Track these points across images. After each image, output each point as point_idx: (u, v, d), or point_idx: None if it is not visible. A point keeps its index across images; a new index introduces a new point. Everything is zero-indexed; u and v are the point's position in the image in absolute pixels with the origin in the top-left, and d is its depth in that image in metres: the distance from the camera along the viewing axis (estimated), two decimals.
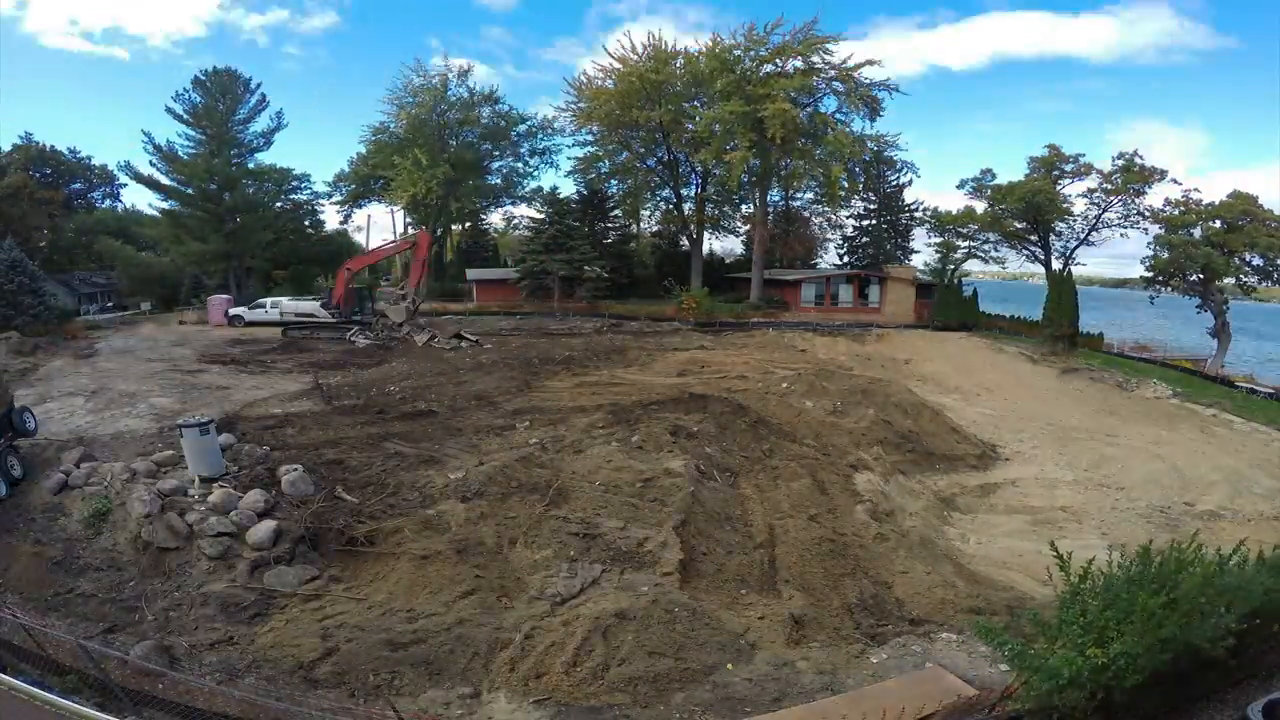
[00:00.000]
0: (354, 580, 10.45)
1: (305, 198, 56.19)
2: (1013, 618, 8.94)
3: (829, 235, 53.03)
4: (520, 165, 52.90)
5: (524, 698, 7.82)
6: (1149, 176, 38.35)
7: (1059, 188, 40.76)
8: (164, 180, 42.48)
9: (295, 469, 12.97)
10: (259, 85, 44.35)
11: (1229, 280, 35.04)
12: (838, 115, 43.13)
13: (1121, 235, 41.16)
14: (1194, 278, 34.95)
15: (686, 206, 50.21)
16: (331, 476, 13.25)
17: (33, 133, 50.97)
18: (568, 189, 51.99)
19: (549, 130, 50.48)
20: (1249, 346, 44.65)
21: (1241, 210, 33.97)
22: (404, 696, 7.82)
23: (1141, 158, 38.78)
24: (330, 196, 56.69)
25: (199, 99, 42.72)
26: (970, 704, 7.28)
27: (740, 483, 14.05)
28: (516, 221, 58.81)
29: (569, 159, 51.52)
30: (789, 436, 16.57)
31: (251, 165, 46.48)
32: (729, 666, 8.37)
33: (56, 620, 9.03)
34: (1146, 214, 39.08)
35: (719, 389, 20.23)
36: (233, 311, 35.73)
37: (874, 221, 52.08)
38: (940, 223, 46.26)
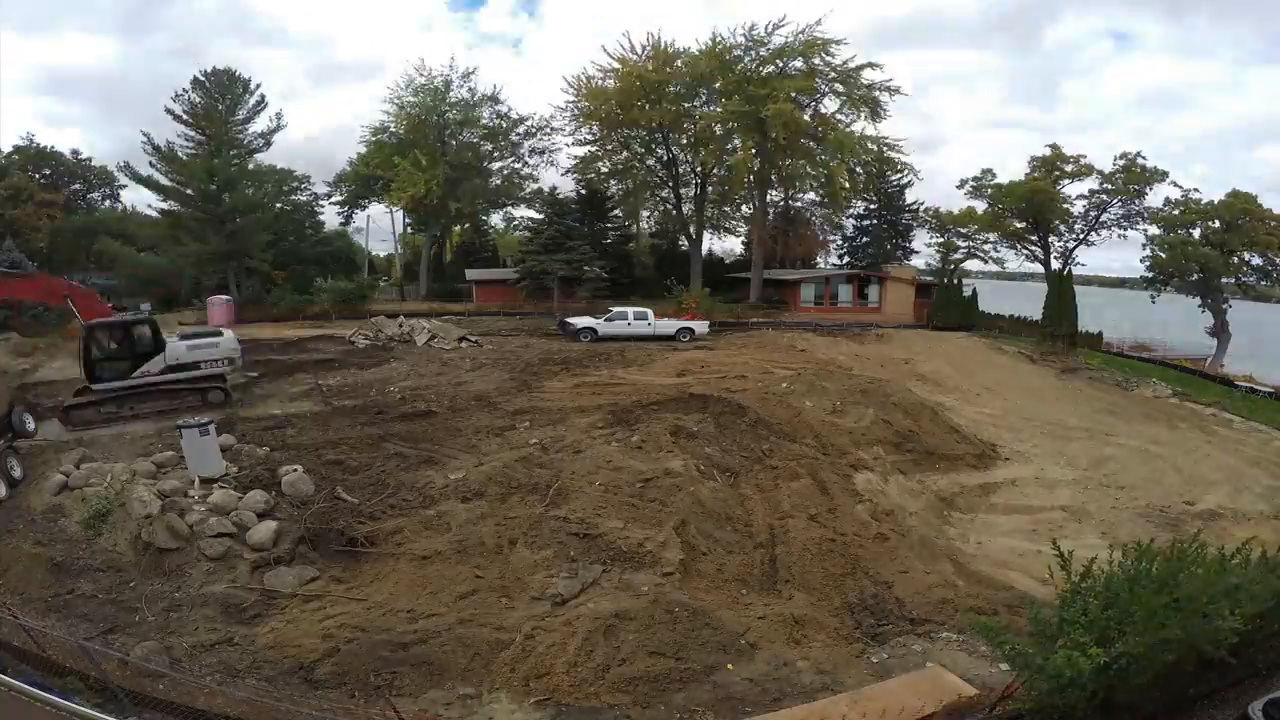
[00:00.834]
0: (354, 581, 10.45)
1: (305, 199, 56.22)
2: (1013, 617, 8.95)
3: (830, 236, 53.05)
4: (520, 166, 52.91)
5: (525, 698, 7.82)
6: (1149, 177, 38.42)
7: (1059, 188, 40.84)
8: (163, 181, 42.52)
9: (295, 469, 12.98)
10: (259, 85, 44.44)
11: (1228, 280, 35.10)
12: (839, 116, 43.19)
13: (1121, 235, 41.28)
14: (1194, 277, 35.00)
15: (686, 206, 50.20)
16: (331, 477, 13.26)
17: (34, 133, 51.00)
18: (567, 189, 51.95)
19: (548, 130, 50.46)
20: None
21: (1240, 209, 34.02)
22: (405, 697, 7.81)
23: (1143, 158, 38.89)
24: (330, 197, 56.73)
25: (198, 99, 42.77)
26: (970, 704, 7.29)
27: (740, 483, 14.05)
28: (516, 222, 58.81)
29: (569, 159, 51.32)
30: (789, 436, 16.56)
31: (251, 166, 46.55)
32: (729, 666, 8.37)
33: (56, 621, 9.02)
34: (1146, 214, 39.18)
35: (719, 389, 20.20)
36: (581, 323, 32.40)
37: (874, 221, 52.10)
38: (940, 223, 46.32)
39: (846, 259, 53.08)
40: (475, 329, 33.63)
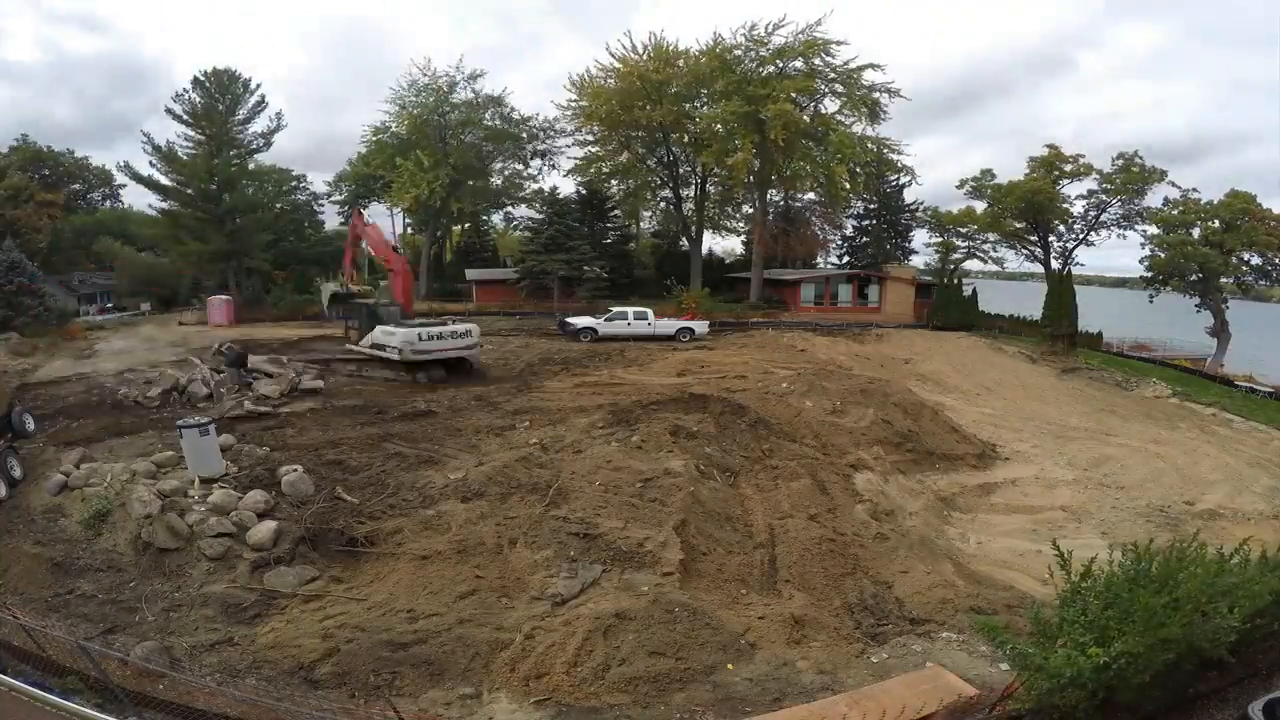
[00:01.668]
0: (354, 580, 10.44)
1: (305, 199, 56.28)
2: (1013, 617, 8.95)
3: (830, 236, 53.07)
4: (522, 167, 52.91)
5: (525, 698, 7.82)
6: (1148, 177, 38.42)
7: (1058, 188, 40.84)
8: (163, 180, 42.51)
9: (295, 469, 12.97)
10: (258, 85, 44.41)
11: (1228, 280, 35.10)
12: (839, 117, 43.18)
13: (1120, 235, 41.29)
14: (1193, 277, 35.01)
15: (686, 206, 50.20)
16: (331, 477, 13.25)
17: (28, 134, 51.04)
18: (567, 189, 51.98)
19: (551, 131, 50.45)
20: None
21: (1240, 209, 34.02)
22: (404, 697, 7.81)
23: (1141, 158, 38.89)
24: (330, 197, 56.78)
25: (198, 99, 42.74)
26: (970, 704, 7.29)
27: (740, 482, 14.05)
28: (516, 222, 58.82)
29: (569, 159, 51.31)
30: (789, 436, 16.56)
31: (251, 166, 46.51)
32: (729, 666, 8.37)
33: (56, 621, 9.01)
34: (1145, 214, 39.18)
35: (719, 389, 20.22)
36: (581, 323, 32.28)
37: (874, 221, 52.11)
38: (940, 222, 46.32)
39: (846, 259, 53.11)
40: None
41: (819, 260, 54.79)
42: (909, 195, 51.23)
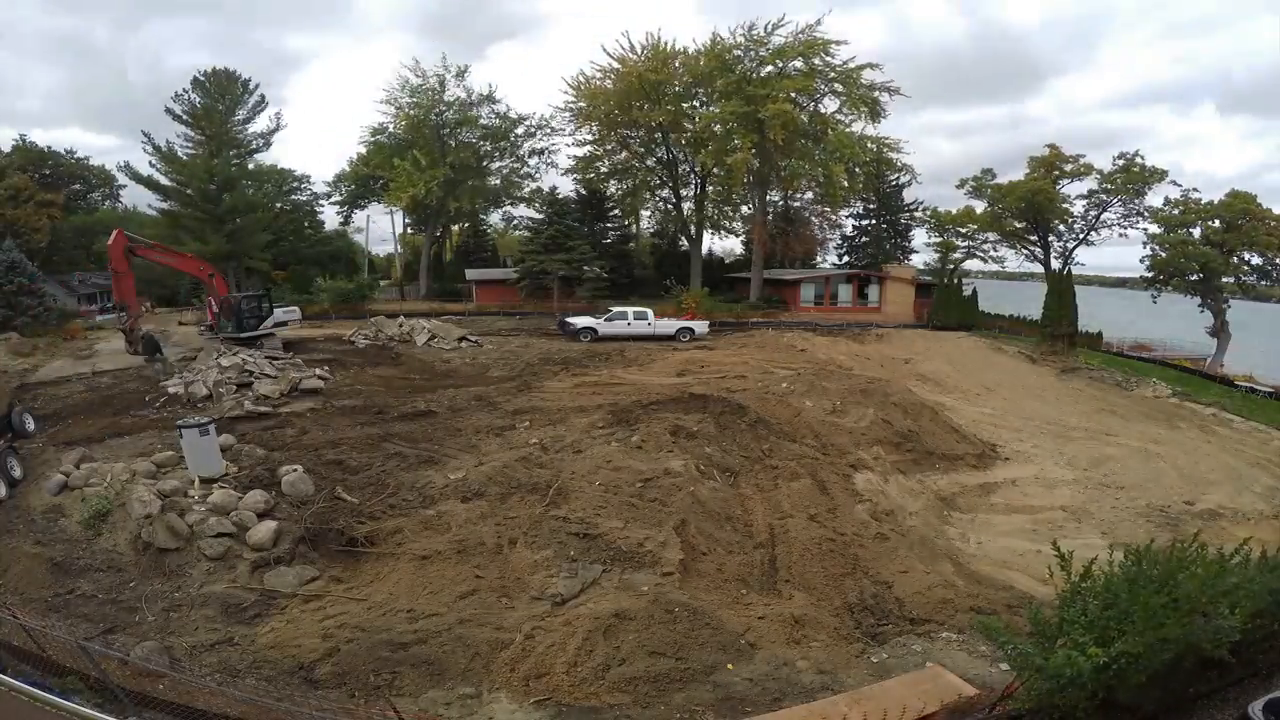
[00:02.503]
0: (354, 580, 10.44)
1: (305, 199, 56.28)
2: (1013, 617, 8.95)
3: (829, 235, 53.09)
4: (519, 166, 52.90)
5: (525, 698, 7.82)
6: (1149, 177, 38.42)
7: (1059, 188, 40.84)
8: (163, 181, 42.53)
9: (295, 469, 12.98)
10: (258, 86, 44.46)
11: (1228, 279, 35.09)
12: (838, 116, 43.18)
13: (1121, 235, 41.29)
14: (1194, 277, 35.00)
15: (686, 206, 50.20)
16: (331, 477, 13.26)
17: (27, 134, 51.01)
18: (567, 189, 51.97)
19: (547, 130, 50.46)
20: None
21: (1241, 209, 34.02)
22: (405, 697, 7.81)
23: (1142, 158, 38.90)
24: (329, 197, 56.77)
25: (198, 100, 42.77)
26: (970, 703, 7.29)
27: (740, 482, 14.05)
28: (516, 222, 58.83)
29: (569, 158, 51.31)
30: (789, 436, 16.56)
31: (251, 166, 46.53)
32: (729, 666, 8.37)
33: (56, 621, 9.01)
34: (1146, 214, 39.20)
35: (719, 389, 20.21)
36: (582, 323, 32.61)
37: (874, 221, 52.11)
38: (940, 222, 46.31)
39: (846, 259, 53.10)
40: (475, 329, 33.64)
41: (819, 260, 54.80)
42: (909, 195, 51.32)
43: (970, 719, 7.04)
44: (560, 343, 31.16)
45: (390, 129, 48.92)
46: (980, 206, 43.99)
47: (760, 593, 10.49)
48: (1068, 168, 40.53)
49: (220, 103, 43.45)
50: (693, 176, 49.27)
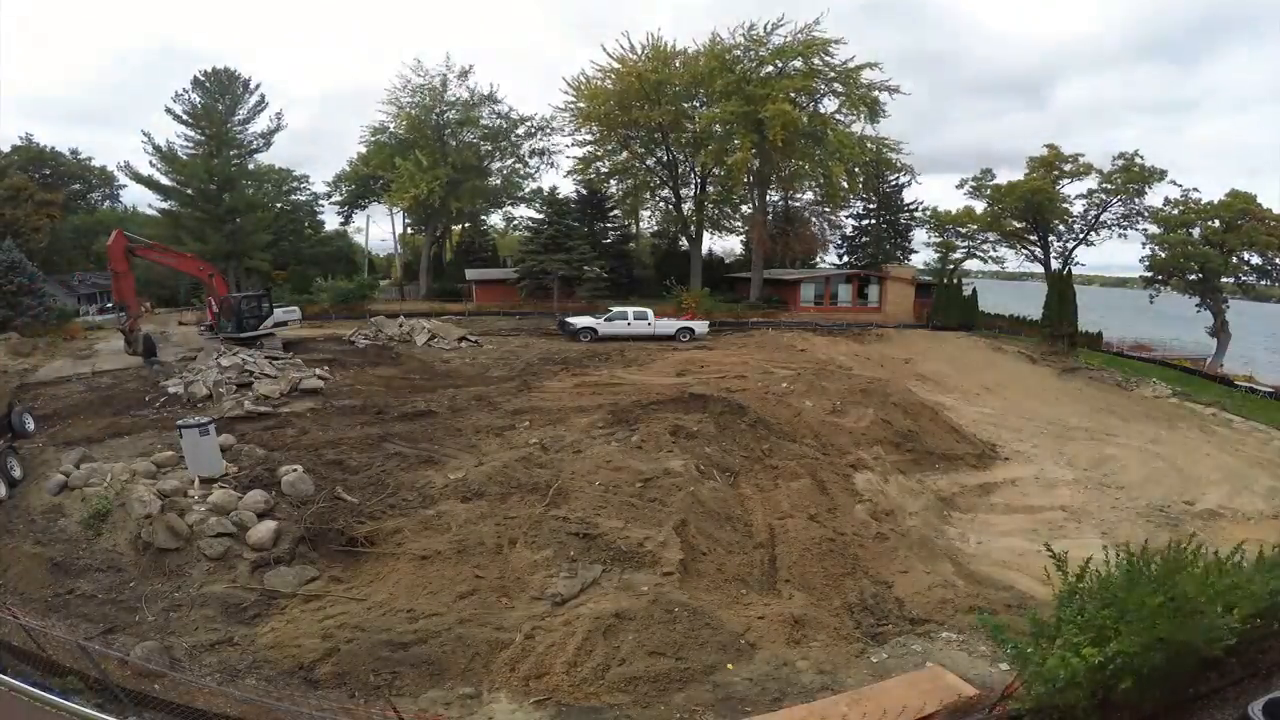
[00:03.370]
0: (354, 580, 10.45)
1: (305, 199, 56.28)
2: (1013, 617, 8.95)
3: (829, 235, 53.04)
4: (520, 166, 52.90)
5: (525, 698, 7.82)
6: (1148, 177, 38.40)
7: (1058, 187, 40.82)
8: (164, 180, 42.52)
9: (295, 469, 12.98)
10: (258, 85, 44.44)
11: (1228, 279, 35.10)
12: (838, 116, 43.16)
13: (1121, 235, 41.27)
14: (1193, 277, 35.00)
15: (686, 206, 50.18)
16: (331, 477, 13.26)
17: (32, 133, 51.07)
18: (567, 189, 51.93)
19: (548, 130, 50.44)
20: None
21: (1240, 209, 34.01)
22: (404, 697, 7.82)
23: (1141, 158, 38.88)
24: (330, 197, 56.78)
25: (198, 99, 42.75)
26: (970, 703, 7.29)
27: (740, 482, 14.05)
28: (516, 222, 58.82)
29: (568, 159, 51.34)
30: (789, 436, 16.56)
31: (251, 166, 46.52)
32: (729, 666, 8.37)
33: (56, 621, 9.02)
34: (1146, 214, 39.17)
35: (718, 389, 20.21)
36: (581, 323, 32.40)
37: (874, 221, 52.08)
38: (940, 222, 46.28)
39: (846, 259, 53.07)
40: (475, 329, 33.65)
41: (819, 260, 54.77)
42: (909, 195, 51.28)
43: (970, 719, 7.05)
44: (560, 343, 31.16)
45: (391, 129, 48.90)
46: (980, 206, 44.00)
47: (760, 593, 10.50)
48: (1067, 167, 40.51)
49: (220, 102, 43.43)
50: (693, 176, 49.25)
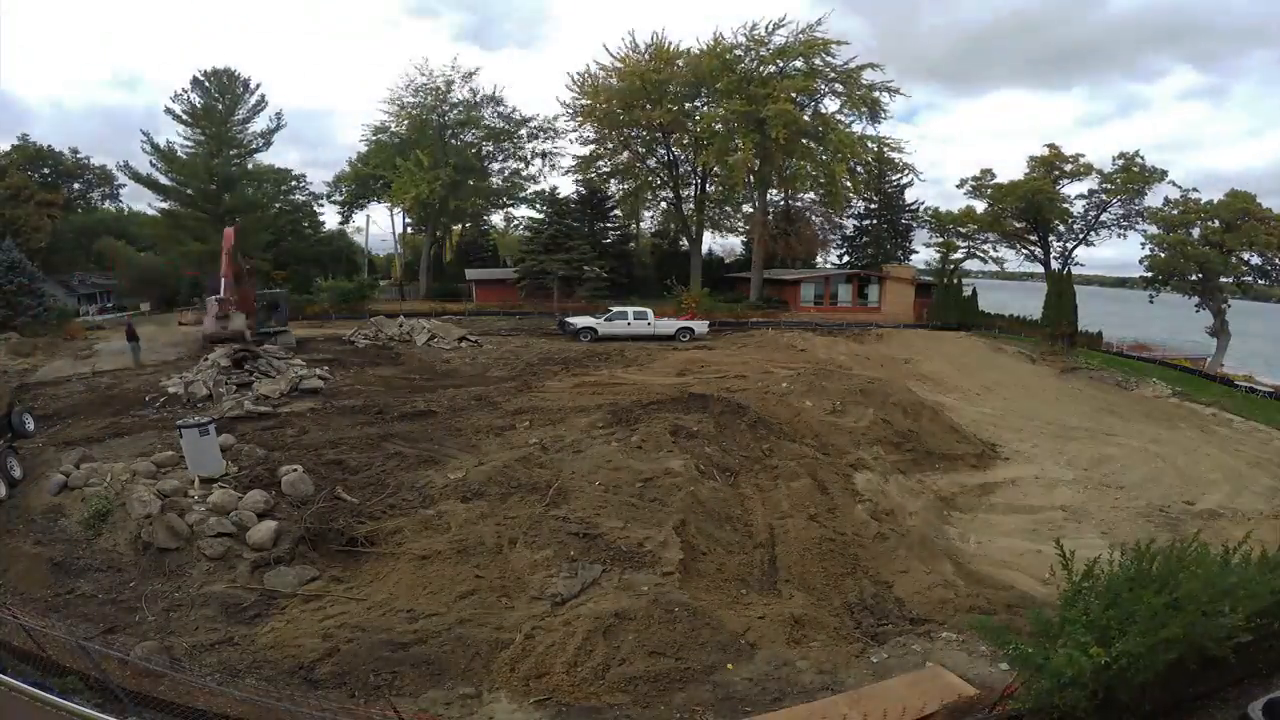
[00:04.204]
0: (354, 580, 10.44)
1: (304, 198, 56.28)
2: (1013, 617, 8.95)
3: (830, 235, 53.07)
4: (523, 167, 52.92)
5: (525, 698, 7.82)
6: (1148, 177, 38.43)
7: (1058, 188, 40.84)
8: (163, 180, 42.51)
9: (295, 469, 12.97)
10: (258, 85, 44.45)
11: (1228, 279, 35.09)
12: (839, 116, 43.20)
13: (1120, 235, 41.31)
14: (1193, 277, 35.01)
15: (686, 206, 50.19)
16: (331, 477, 13.25)
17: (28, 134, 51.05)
18: (567, 189, 51.99)
19: (550, 131, 50.45)
20: None
21: (1240, 209, 34.01)
22: (405, 697, 7.81)
23: (1142, 158, 38.90)
24: (330, 197, 56.79)
25: (198, 99, 42.75)
26: (970, 703, 7.29)
27: (740, 482, 14.04)
28: (516, 222, 58.88)
29: (570, 159, 51.36)
30: (789, 436, 16.55)
31: (251, 166, 46.50)
32: (729, 666, 8.37)
33: (56, 621, 9.00)
34: (1146, 214, 39.19)
35: (719, 389, 20.21)
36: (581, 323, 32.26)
37: (874, 221, 52.10)
38: (940, 222, 46.31)
39: (846, 259, 53.10)
40: (475, 329, 33.66)
41: (819, 260, 54.80)
42: (909, 195, 51.34)
43: (970, 719, 7.05)
44: (560, 343, 31.16)
45: (392, 128, 48.92)
46: (980, 206, 44.02)
47: (760, 593, 10.49)
48: (1067, 168, 40.56)
49: (220, 102, 43.43)
50: (693, 176, 49.28)
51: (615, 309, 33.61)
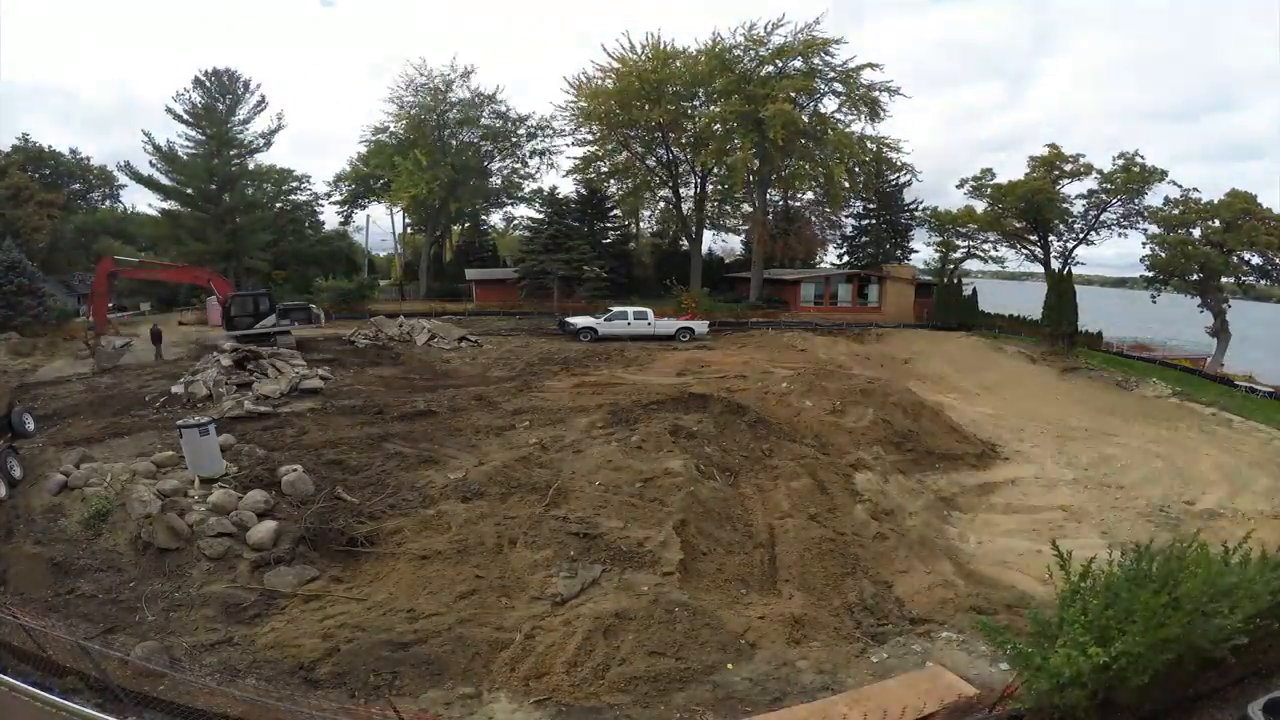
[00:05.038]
0: (354, 580, 10.45)
1: (305, 198, 56.29)
2: (1013, 617, 8.95)
3: (829, 235, 53.07)
4: (521, 166, 52.92)
5: (525, 698, 7.82)
6: (1149, 177, 38.39)
7: (1058, 187, 40.80)
8: (164, 180, 42.52)
9: (295, 469, 12.98)
10: (259, 85, 44.46)
11: (1228, 279, 35.08)
12: (838, 116, 43.20)
13: (1121, 234, 41.26)
14: (1193, 277, 34.99)
15: (686, 206, 50.19)
16: (331, 476, 13.26)
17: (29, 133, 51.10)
18: (567, 189, 51.95)
19: (549, 131, 50.43)
20: None
21: (1241, 209, 33.98)
22: (404, 697, 7.81)
23: (1142, 158, 38.86)
24: (329, 197, 56.78)
25: (199, 99, 42.76)
26: (970, 703, 7.30)
27: (740, 482, 14.04)
28: (516, 222, 58.85)
29: (568, 159, 51.38)
30: (789, 436, 16.55)
31: (251, 166, 46.51)
32: (729, 666, 8.38)
33: (56, 621, 9.01)
34: (1146, 213, 39.15)
35: (718, 389, 20.21)
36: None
37: (874, 221, 52.09)
38: (940, 222, 46.28)
39: (846, 259, 53.08)
40: (475, 329, 33.66)
41: (819, 260, 54.79)
42: (909, 194, 51.30)
43: (970, 719, 7.05)
44: (560, 343, 31.15)
45: (392, 128, 48.92)
46: (980, 206, 43.98)
47: (760, 593, 10.50)
48: (1067, 167, 40.47)
49: (221, 102, 43.45)
50: (693, 176, 49.26)
51: (615, 309, 33.61)
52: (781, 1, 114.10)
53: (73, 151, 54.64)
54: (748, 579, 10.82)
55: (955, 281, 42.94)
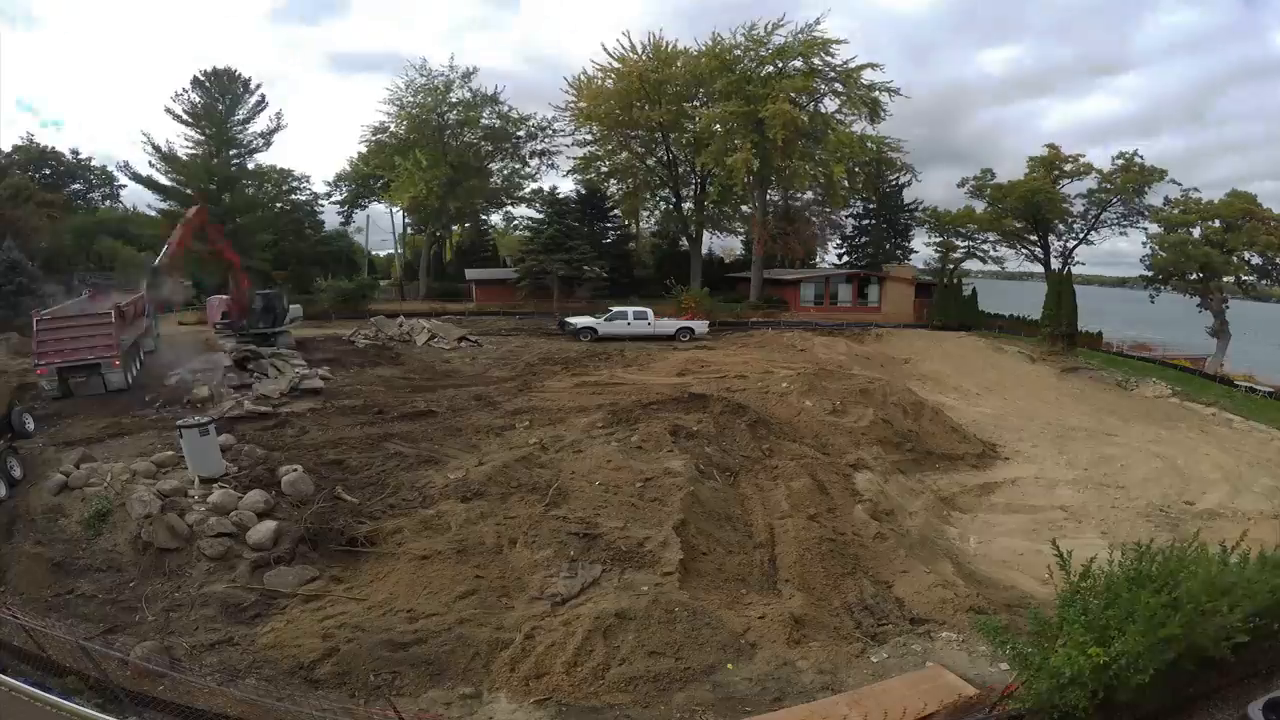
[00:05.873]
0: (354, 580, 10.44)
1: (305, 198, 56.29)
2: (1013, 617, 8.96)
3: (829, 235, 53.07)
4: (521, 166, 52.89)
5: (525, 697, 7.82)
6: (1148, 176, 38.41)
7: (1059, 187, 40.84)
8: (163, 181, 42.53)
9: (295, 469, 12.97)
10: (259, 85, 44.47)
11: (1228, 279, 35.11)
12: (838, 116, 43.16)
13: (1121, 234, 41.31)
14: (1193, 277, 35.03)
15: (686, 206, 50.17)
16: (331, 476, 13.25)
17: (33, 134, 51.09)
18: (567, 189, 51.92)
19: (549, 131, 50.41)
20: None
21: (1241, 209, 34.02)
22: (405, 697, 7.82)
23: (1141, 157, 38.89)
24: (330, 197, 56.78)
25: (198, 99, 42.77)
26: (970, 703, 7.30)
27: (740, 482, 14.04)
28: (516, 222, 58.84)
29: (568, 159, 51.24)
30: (789, 436, 16.56)
31: (251, 166, 46.53)
32: (729, 666, 8.38)
33: (56, 621, 9.02)
34: (1146, 213, 39.19)
35: (719, 389, 20.20)
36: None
37: (874, 221, 52.08)
38: (940, 222, 46.30)
39: (846, 259, 53.07)
40: (475, 329, 33.64)
41: (819, 260, 54.77)
42: (909, 195, 51.30)
43: (970, 719, 7.05)
44: (560, 343, 31.15)
45: (392, 128, 48.89)
46: (980, 206, 44.01)
47: (760, 593, 10.50)
48: (1067, 167, 40.55)
49: (220, 102, 43.45)
50: (693, 176, 49.22)
51: (615, 309, 33.62)
52: (781, 2, 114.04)
53: (73, 152, 54.70)
54: (748, 579, 10.83)
55: (955, 281, 42.97)
